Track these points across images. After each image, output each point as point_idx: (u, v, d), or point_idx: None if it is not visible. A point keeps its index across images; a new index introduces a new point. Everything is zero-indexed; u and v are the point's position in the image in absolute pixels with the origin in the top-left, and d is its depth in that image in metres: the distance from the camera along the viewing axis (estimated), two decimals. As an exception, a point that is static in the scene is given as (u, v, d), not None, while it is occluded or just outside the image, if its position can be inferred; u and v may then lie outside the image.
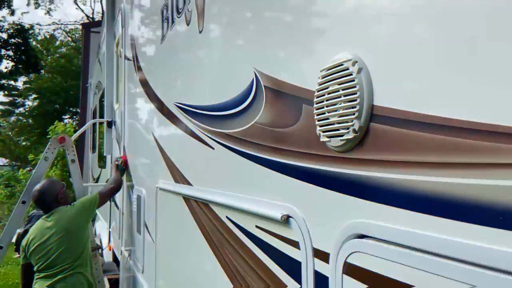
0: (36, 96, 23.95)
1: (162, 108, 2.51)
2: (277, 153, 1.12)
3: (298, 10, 1.07)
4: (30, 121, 24.79)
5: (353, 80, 0.79)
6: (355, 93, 0.78)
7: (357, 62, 0.79)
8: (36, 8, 25.77)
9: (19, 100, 25.74)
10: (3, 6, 19.15)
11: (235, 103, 1.41)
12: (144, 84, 3.08)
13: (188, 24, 1.98)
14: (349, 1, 0.87)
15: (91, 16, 27.83)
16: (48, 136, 12.56)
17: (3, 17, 20.11)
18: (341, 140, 0.82)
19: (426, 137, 0.65)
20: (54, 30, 27.50)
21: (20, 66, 19.40)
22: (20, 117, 26.22)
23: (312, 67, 0.95)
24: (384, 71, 0.76)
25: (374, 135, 0.76)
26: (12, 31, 19.24)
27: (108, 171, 4.94)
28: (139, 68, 3.33)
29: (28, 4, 25.79)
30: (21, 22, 20.31)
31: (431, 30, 0.67)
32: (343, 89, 0.81)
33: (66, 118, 24.39)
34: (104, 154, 5.02)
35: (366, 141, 0.78)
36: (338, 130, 0.83)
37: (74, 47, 26.47)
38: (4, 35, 19.06)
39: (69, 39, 28.15)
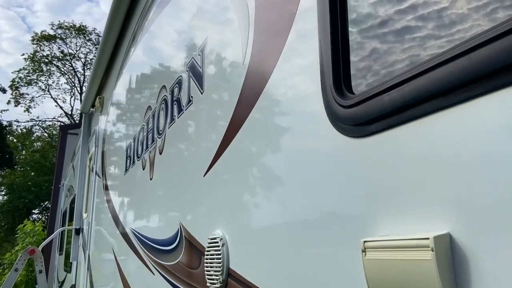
0: (6, 191, 23.81)
1: (120, 228, 2.98)
2: (190, 287, 1.61)
3: (202, 192, 1.63)
4: (-1, 216, 24.30)
5: (220, 250, 1.32)
6: (220, 259, 1.31)
7: (222, 239, 1.33)
8: (16, 106, 26.73)
9: (-11, 195, 25.46)
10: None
11: (169, 243, 1.91)
12: (109, 203, 3.57)
13: (143, 169, 2.54)
14: (222, 197, 1.44)
15: (69, 113, 28.89)
16: (17, 236, 12.51)
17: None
18: (214, 286, 1.32)
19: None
20: (31, 126, 28.29)
21: (-6, 162, 19.67)
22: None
23: (204, 233, 1.48)
24: (234, 248, 1.29)
25: (230, 286, 1.28)
26: (-11, 129, 19.82)
27: (73, 277, 5.18)
28: (106, 187, 3.84)
29: (8, 103, 26.82)
30: (0, 120, 21.03)
31: (271, 225, 1.22)
32: (215, 255, 1.34)
33: (36, 214, 24.07)
34: (71, 261, 5.28)
35: (226, 289, 1.29)
36: (213, 279, 1.34)
37: (49, 142, 27.04)
38: (-19, 133, 19.60)
39: (46, 134, 28.83)
